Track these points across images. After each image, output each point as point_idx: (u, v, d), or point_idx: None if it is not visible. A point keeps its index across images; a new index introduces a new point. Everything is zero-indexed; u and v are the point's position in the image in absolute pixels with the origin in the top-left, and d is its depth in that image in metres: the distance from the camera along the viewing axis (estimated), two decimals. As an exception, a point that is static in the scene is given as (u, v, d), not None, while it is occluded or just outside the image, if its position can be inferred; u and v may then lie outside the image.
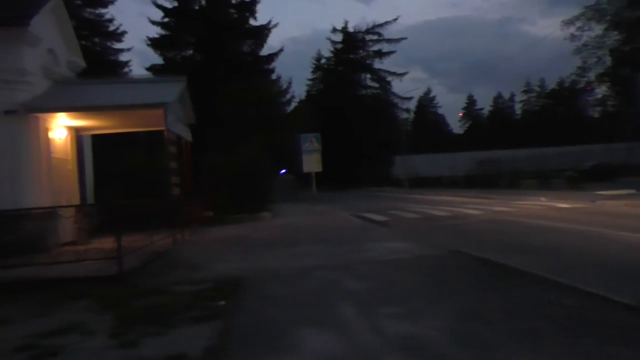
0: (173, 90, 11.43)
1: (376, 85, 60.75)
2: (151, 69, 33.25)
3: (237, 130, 25.22)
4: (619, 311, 4.05)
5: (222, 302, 5.10)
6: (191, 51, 34.23)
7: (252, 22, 34.73)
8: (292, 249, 8.83)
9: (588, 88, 31.98)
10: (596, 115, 60.37)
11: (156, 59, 34.16)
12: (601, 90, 33.79)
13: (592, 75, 32.24)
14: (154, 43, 33.64)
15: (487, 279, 5.56)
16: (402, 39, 59.42)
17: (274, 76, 36.33)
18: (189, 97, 13.69)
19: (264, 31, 34.90)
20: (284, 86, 38.35)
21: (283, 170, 53.23)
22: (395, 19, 67.45)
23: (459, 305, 4.50)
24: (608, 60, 30.30)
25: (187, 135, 13.49)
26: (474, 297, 4.75)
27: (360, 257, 7.50)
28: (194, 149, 15.19)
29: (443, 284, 5.44)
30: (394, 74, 59.08)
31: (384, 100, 59.74)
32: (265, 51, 35.74)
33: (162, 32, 34.05)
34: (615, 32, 29.38)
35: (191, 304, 5.00)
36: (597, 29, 29.98)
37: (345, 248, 8.52)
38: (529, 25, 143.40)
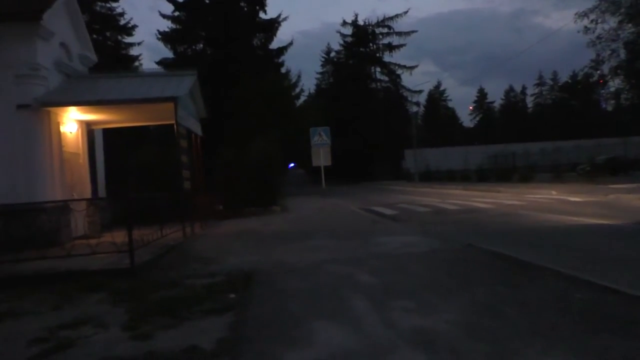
0: (184, 84, 11.45)
1: (386, 78, 60.45)
2: (162, 63, 33.36)
3: (247, 124, 25.27)
4: (636, 305, 3.99)
5: (234, 295, 5.12)
6: (202, 45, 34.27)
7: (262, 15, 34.67)
8: (303, 242, 8.83)
9: (601, 81, 31.49)
10: (610, 108, 59.58)
11: (167, 52, 34.27)
12: (615, 84, 33.25)
13: (606, 69, 31.76)
14: (164, 37, 33.71)
15: (499, 272, 5.52)
16: (413, 32, 59.03)
17: (284, 70, 36.31)
18: (200, 91, 13.72)
19: (274, 25, 34.82)
20: (294, 80, 38.32)
21: (293, 164, 53.28)
22: (406, 12, 66.81)
23: (471, 298, 4.47)
24: (622, 53, 29.79)
25: (197, 129, 13.52)
26: (486, 290, 4.71)
27: (371, 250, 7.48)
28: (205, 143, 15.25)
29: (455, 278, 5.41)
30: (404, 67, 58.77)
31: (395, 93, 59.45)
32: (275, 45, 35.69)
33: (173, 25, 34.11)
34: (630, 25, 28.85)
35: (204, 297, 5.02)
36: (612, 22, 29.48)
37: (356, 242, 8.50)
38: (542, 18, 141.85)
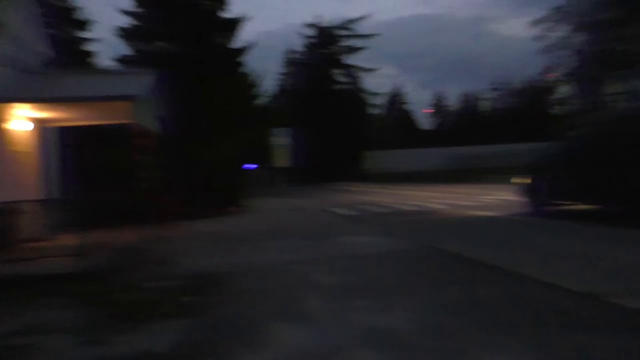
0: (143, 82, 11.21)
1: (348, 80, 60.99)
2: (121, 60, 32.51)
3: (210, 123, 24.97)
4: (581, 300, 4.17)
5: (193, 298, 5.05)
6: (163, 43, 33.60)
7: (224, 14, 34.30)
8: (265, 243, 8.81)
9: (549, 72, 32.72)
10: (561, 113, 61.93)
11: (127, 50, 33.43)
12: (566, 90, 34.72)
13: (558, 75, 33.15)
14: (125, 33, 32.89)
15: (457, 272, 5.67)
16: (375, 35, 59.83)
17: (246, 70, 36.05)
18: (161, 89, 13.47)
19: (236, 23, 34.45)
20: (257, 80, 38.14)
21: (255, 165, 52.98)
22: (369, 15, 67.65)
23: (430, 298, 4.58)
24: (573, 61, 31.12)
25: (157, 128, 13.27)
26: (445, 290, 4.83)
27: (332, 251, 7.53)
28: (166, 143, 14.98)
29: (414, 278, 5.51)
30: (365, 69, 59.46)
31: (356, 95, 60.05)
32: (237, 44, 35.37)
33: (134, 22, 33.33)
34: (581, 34, 30.20)
35: (161, 300, 4.94)
36: (564, 31, 30.77)
37: (317, 242, 8.54)
38: (499, 25, 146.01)
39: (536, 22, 31.62)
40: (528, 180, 12.15)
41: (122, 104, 9.97)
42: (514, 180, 13.60)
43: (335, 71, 60.96)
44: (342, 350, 3.35)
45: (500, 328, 3.61)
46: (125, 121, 11.62)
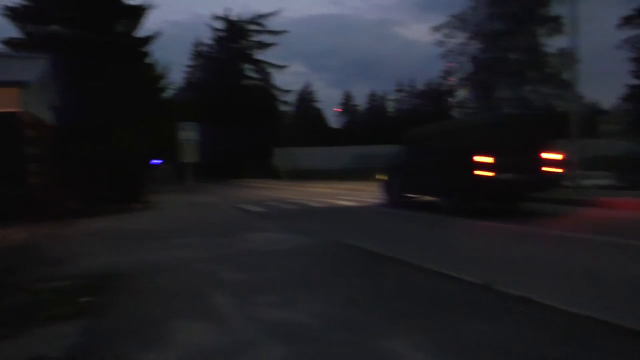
0: (34, 67, 10.38)
1: (257, 76, 60.63)
2: (8, 42, 29.71)
3: (109, 115, 23.60)
4: (471, 290, 4.50)
5: (89, 299, 4.78)
6: (58, 26, 31.19)
7: (129, 0, 32.58)
8: (168, 241, 8.52)
9: (449, 64, 34.78)
10: (458, 115, 66.10)
11: (15, 32, 30.59)
12: (462, 94, 37.18)
13: (455, 79, 35.42)
14: (13, 14, 30.07)
15: (362, 266, 5.86)
16: (285, 31, 59.99)
17: (150, 60, 34.52)
18: (56, 77, 12.52)
19: (140, 11, 32.89)
20: (162, 71, 36.64)
21: (160, 160, 50.96)
22: (279, 12, 67.60)
23: (334, 292, 4.69)
24: (469, 67, 33.39)
25: (50, 118, 12.33)
26: (349, 283, 4.98)
27: (239, 248, 7.47)
28: (60, 135, 13.95)
29: (320, 273, 5.63)
30: (275, 66, 59.41)
31: (265, 92, 59.85)
32: (141, 33, 33.77)
33: (24, 2, 30.58)
34: (476, 42, 32.48)
35: (52, 302, 4.61)
36: (461, 37, 32.89)
37: (224, 239, 8.42)
38: (403, 29, 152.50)
39: (436, 28, 33.49)
40: (385, 178, 14.89)
41: (9, 90, 9.16)
42: (377, 176, 16.09)
43: (245, 66, 60.29)
44: (248, 346, 3.35)
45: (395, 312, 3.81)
46: (12, 109, 10.68)
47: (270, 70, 59.10)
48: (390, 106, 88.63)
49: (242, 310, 4.17)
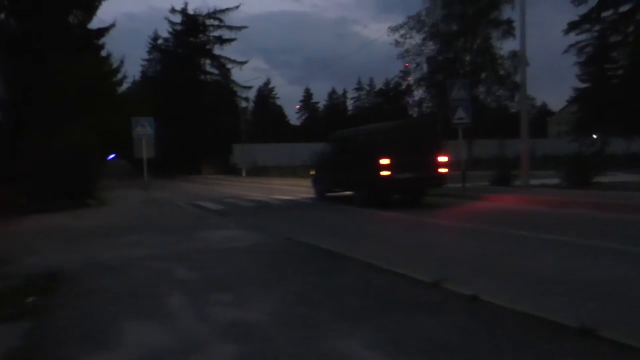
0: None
1: (216, 71, 59.75)
2: None
3: (59, 108, 22.74)
4: (422, 288, 4.61)
5: (37, 299, 4.63)
6: (3, 15, 29.75)
7: (81, -10, 31.41)
8: (121, 238, 8.34)
9: (406, 64, 35.38)
10: (415, 115, 67.28)
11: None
12: (419, 93, 37.83)
13: (412, 79, 36.08)
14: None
15: (315, 264, 5.90)
16: (244, 27, 59.33)
17: (104, 53, 33.47)
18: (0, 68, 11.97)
19: (93, 2, 31.82)
20: (116, 64, 35.54)
21: (114, 155, 49.56)
22: (238, 7, 66.69)
23: (288, 290, 4.71)
24: (425, 67, 34.05)
25: (-6, 112, 11.81)
26: (302, 281, 5.01)
27: (194, 245, 7.39)
28: (6, 128, 13.36)
29: (274, 271, 5.64)
30: (234, 61, 58.67)
31: (225, 87, 59.06)
32: (95, 25, 32.69)
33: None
34: (432, 42, 33.14)
35: (-3, 303, 4.45)
36: (418, 38, 33.46)
37: (178, 237, 8.31)
38: (362, 28, 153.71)
39: (394, 29, 33.97)
40: (314, 173, 16.26)
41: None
42: (310, 172, 17.20)
43: (203, 61, 59.30)
44: (200, 346, 3.33)
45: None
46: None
47: (230, 65, 58.37)
48: (350, 104, 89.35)
49: (194, 310, 4.14)
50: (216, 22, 58.35)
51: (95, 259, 6.55)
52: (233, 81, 59.53)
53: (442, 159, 12.58)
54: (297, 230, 8.81)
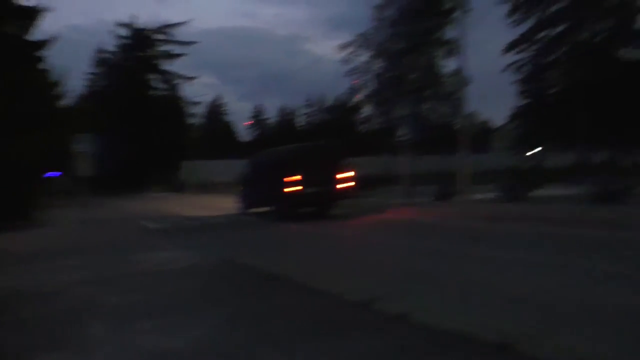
0: None
1: (165, 86, 58.69)
2: None
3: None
4: (350, 308, 4.65)
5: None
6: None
7: (20, 1, 30.21)
8: (54, 262, 8.00)
9: (354, 81, 35.85)
10: (366, 130, 68.38)
11: None
12: (367, 110, 38.37)
13: (361, 96, 36.62)
14: None
15: (249, 286, 5.85)
16: (194, 42, 58.63)
17: (46, 65, 32.22)
18: None
19: (35, 13, 30.62)
20: (60, 78, 34.29)
21: (57, 173, 47.58)
22: (188, 22, 66.15)
23: (218, 314, 4.63)
24: (373, 84, 34.64)
25: None
26: (233, 305, 4.95)
27: (130, 269, 7.18)
28: None
29: (207, 294, 5.56)
30: (184, 77, 57.85)
31: (173, 103, 58.03)
32: (37, 36, 31.45)
33: None
34: (379, 60, 33.83)
35: None
36: (366, 56, 34.08)
37: (115, 259, 8.06)
38: (314, 45, 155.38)
39: (343, 46, 34.53)
40: (240, 188, 17.11)
41: None
42: (237, 188, 17.94)
43: (151, 76, 58.13)
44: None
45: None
46: None
47: (179, 81, 57.44)
48: (301, 120, 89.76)
49: (118, 338, 4.02)
50: (165, 37, 57.46)
51: (22, 286, 6.25)
52: (182, 97, 58.60)
53: (346, 175, 13.97)
54: (237, 249, 8.74)
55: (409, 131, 24.24)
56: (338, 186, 13.86)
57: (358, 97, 38.28)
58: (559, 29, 35.15)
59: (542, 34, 35.72)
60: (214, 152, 63.10)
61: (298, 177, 13.22)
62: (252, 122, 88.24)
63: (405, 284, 5.44)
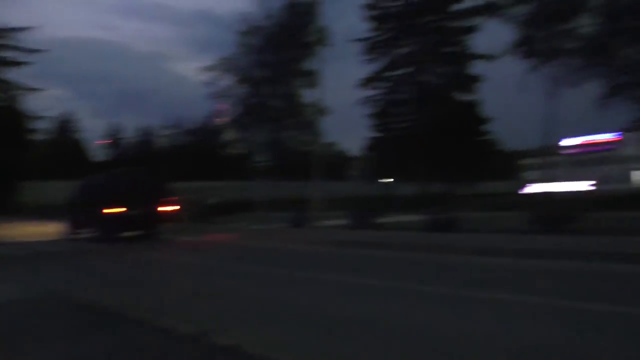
0: None
1: (3, 96, 52.43)
2: None
3: None
4: (186, 343, 4.49)
5: None
6: None
7: None
8: None
9: (218, 105, 35.56)
10: (228, 154, 67.98)
11: None
12: (231, 134, 38.23)
13: (223, 120, 36.42)
14: None
15: (79, 325, 5.32)
16: (41, 50, 53.42)
17: None
18: None
19: None
20: None
21: None
22: (36, 27, 60.19)
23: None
24: (236, 109, 34.69)
25: None
26: (60, 347, 4.50)
27: None
28: None
29: (29, 335, 4.99)
30: (27, 88, 52.22)
31: (11, 116, 51.90)
32: None
33: None
34: (243, 86, 34.07)
35: None
36: (229, 80, 34.09)
37: None
38: (176, 64, 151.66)
39: (207, 69, 34.22)
40: (68, 212, 16.83)
41: None
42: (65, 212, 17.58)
43: (-13, 85, 51.65)
44: None
45: None
46: None
47: (20, 92, 51.59)
48: (162, 141, 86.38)
49: None
50: (4, 42, 51.54)
51: None
52: (24, 110, 52.73)
53: (166, 199, 14.65)
54: (68, 280, 8.02)
55: (267, 157, 24.67)
56: (159, 209, 14.35)
57: (221, 120, 38.05)
58: (407, 70, 38.81)
59: (392, 73, 39.14)
60: (63, 171, 57.73)
61: (118, 201, 13.67)
62: (109, 140, 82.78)
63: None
